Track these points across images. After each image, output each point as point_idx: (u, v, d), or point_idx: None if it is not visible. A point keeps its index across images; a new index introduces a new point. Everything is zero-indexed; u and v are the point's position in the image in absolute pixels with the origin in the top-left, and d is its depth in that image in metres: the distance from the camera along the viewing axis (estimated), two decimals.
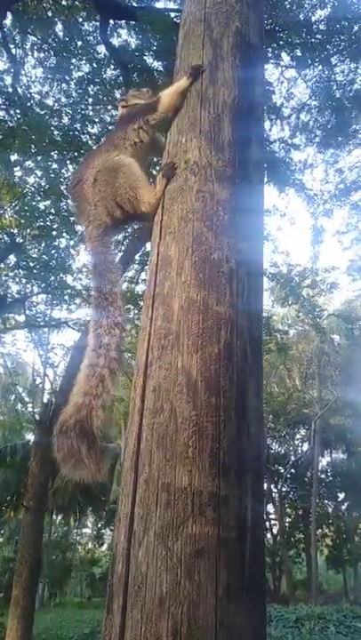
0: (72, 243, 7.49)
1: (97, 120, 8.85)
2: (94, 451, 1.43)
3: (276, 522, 20.15)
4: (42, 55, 8.77)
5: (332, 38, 7.35)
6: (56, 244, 7.19)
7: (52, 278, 6.89)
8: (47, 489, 9.96)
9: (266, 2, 7.02)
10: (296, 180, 7.35)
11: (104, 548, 25.81)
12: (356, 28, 7.32)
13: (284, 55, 8.15)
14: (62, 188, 7.00)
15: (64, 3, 8.72)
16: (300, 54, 7.79)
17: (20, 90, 8.64)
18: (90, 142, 8.77)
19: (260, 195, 1.81)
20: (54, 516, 21.81)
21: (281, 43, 7.47)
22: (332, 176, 8.22)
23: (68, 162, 7.84)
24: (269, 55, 8.11)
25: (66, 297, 8.07)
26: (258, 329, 1.54)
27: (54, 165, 8.02)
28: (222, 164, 1.62)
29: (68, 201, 7.06)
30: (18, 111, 8.65)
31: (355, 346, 14.28)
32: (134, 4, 7.90)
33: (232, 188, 1.59)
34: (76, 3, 8.57)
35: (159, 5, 7.86)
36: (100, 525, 25.46)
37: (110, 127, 8.95)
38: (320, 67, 7.52)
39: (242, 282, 1.47)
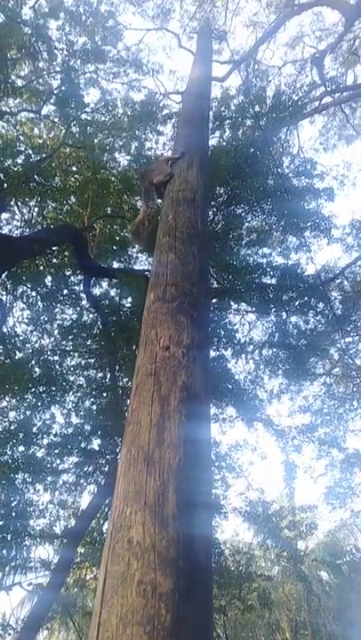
0: (39, 490, 7.16)
1: (76, 354, 9.50)
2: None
3: None
4: (30, 300, 9.87)
5: (282, 295, 8.57)
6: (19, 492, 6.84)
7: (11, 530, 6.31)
8: None
9: (224, 269, 8.40)
10: (263, 414, 7.62)
11: None
12: (301, 287, 8.63)
13: (243, 304, 9.35)
14: (34, 431, 7.03)
15: (54, 260, 10.28)
16: (257, 303, 8.98)
17: (5, 329, 9.42)
18: (67, 374, 9.26)
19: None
20: None
21: (239, 297, 8.64)
22: (297, 406, 8.58)
23: (44, 396, 8.05)
24: (231, 304, 9.31)
25: (26, 541, 7.30)
26: None
27: (28, 399, 8.19)
28: (166, 543, 1.62)
29: (37, 447, 7.00)
30: (1, 347, 9.28)
31: (345, 585, 12.63)
32: (115, 266, 9.28)
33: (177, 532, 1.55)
34: (65, 261, 10.09)
35: (138, 266, 9.22)
36: None
37: (88, 359, 9.59)
38: (275, 316, 8.56)
39: None
